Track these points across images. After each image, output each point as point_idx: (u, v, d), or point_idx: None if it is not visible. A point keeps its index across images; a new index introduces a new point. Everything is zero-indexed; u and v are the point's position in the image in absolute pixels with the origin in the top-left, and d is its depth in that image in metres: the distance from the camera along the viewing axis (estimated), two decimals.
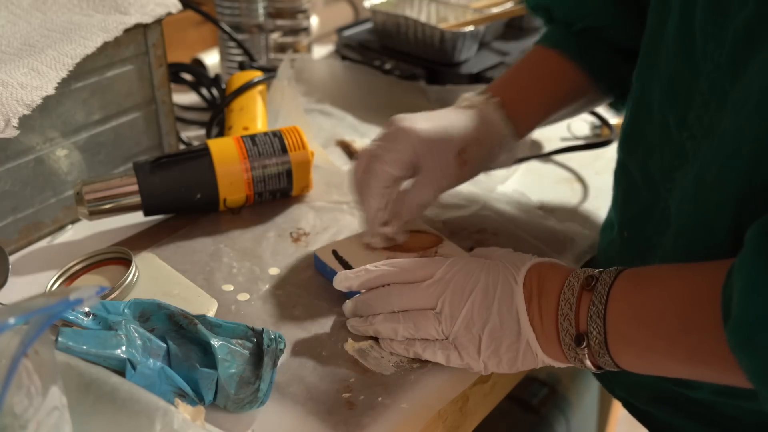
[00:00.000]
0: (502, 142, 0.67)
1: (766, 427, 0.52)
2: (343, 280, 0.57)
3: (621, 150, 0.60)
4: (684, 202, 0.50)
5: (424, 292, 0.53)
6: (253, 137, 0.72)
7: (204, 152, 0.70)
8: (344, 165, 0.84)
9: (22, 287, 0.63)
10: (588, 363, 0.49)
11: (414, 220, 0.66)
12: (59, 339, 0.49)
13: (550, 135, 0.91)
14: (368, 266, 0.56)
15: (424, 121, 0.62)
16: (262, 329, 0.54)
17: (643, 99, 0.56)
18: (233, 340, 0.53)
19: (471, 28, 0.97)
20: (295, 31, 1.02)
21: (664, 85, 0.53)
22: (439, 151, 0.62)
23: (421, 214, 0.64)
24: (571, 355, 0.50)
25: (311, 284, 0.64)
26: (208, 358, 0.52)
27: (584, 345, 0.48)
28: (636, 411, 0.62)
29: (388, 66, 0.99)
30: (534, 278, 0.52)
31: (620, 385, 0.62)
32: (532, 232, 0.71)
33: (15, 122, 0.59)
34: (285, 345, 0.54)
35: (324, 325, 0.59)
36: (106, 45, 0.67)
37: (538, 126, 0.71)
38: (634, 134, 0.58)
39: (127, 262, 0.64)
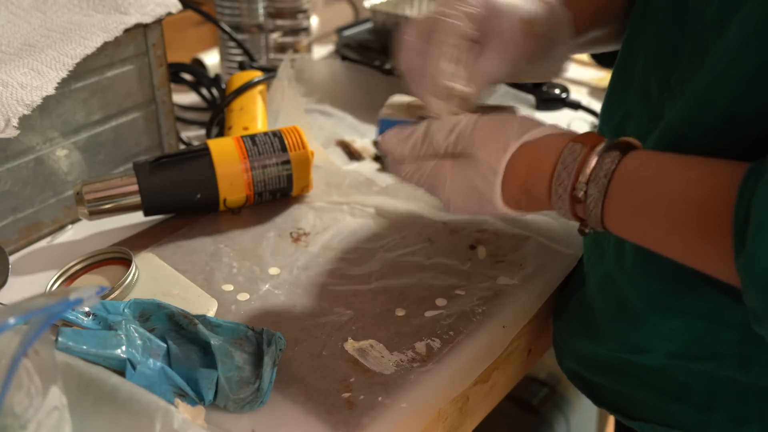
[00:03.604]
0: (562, 28, 0.62)
1: (715, 393, 0.52)
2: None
3: (600, 119, 0.60)
4: None
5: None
6: (253, 137, 0.72)
7: (204, 152, 0.70)
8: (344, 165, 0.84)
9: (22, 287, 0.63)
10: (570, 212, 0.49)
11: (482, 98, 0.59)
12: (59, 339, 0.49)
13: None
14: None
15: None
16: (262, 329, 0.54)
17: (626, 64, 0.56)
18: (233, 340, 0.53)
19: None
20: (295, 31, 1.02)
21: (650, 48, 0.53)
22: (508, 15, 0.56)
23: (488, 87, 0.58)
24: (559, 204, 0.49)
25: (311, 284, 0.64)
26: (208, 358, 0.52)
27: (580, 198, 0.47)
28: (583, 383, 0.62)
29: (388, 66, 0.99)
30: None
31: (570, 356, 0.62)
32: (535, 229, 0.71)
33: (15, 122, 0.59)
34: (285, 345, 0.54)
35: (324, 325, 0.59)
36: (106, 45, 0.67)
37: (584, 33, 0.66)
38: (613, 102, 0.58)
39: (127, 262, 0.64)
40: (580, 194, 0.47)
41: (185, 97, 0.99)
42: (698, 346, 0.51)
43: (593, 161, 0.46)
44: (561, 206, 0.49)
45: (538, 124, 0.52)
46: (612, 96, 0.58)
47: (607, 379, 0.58)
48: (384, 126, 0.58)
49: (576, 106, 0.92)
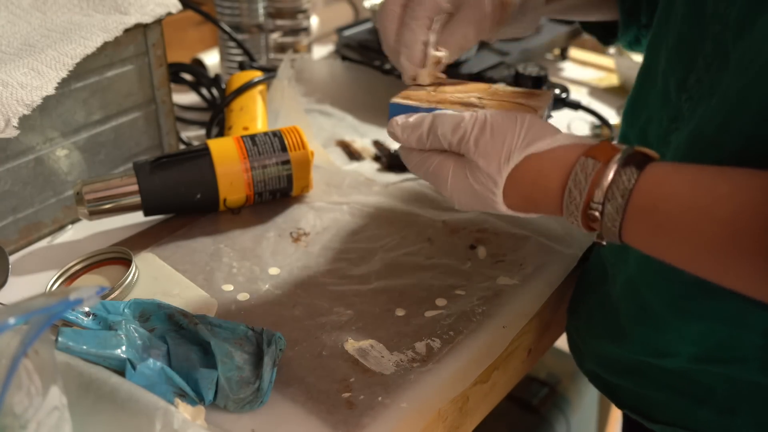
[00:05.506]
0: None
1: (738, 397, 0.52)
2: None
3: (624, 122, 0.60)
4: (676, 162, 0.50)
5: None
6: (253, 137, 0.72)
7: (204, 152, 0.70)
8: (344, 165, 0.84)
9: (22, 287, 0.63)
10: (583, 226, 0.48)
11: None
12: (59, 339, 0.49)
13: None
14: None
15: None
16: (262, 329, 0.54)
17: (649, 68, 0.56)
18: (233, 340, 0.53)
19: None
20: (295, 31, 1.03)
21: (669, 50, 0.53)
22: None
23: (458, 54, 0.60)
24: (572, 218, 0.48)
25: (311, 284, 0.64)
26: (208, 358, 0.52)
27: (597, 216, 0.46)
28: (604, 385, 0.62)
29: (388, 66, 0.99)
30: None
31: (591, 358, 0.62)
32: (535, 229, 0.71)
33: (15, 122, 0.59)
34: (285, 345, 0.54)
35: (324, 325, 0.59)
36: (106, 45, 0.67)
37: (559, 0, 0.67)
38: (637, 104, 0.58)
39: (127, 262, 0.64)
40: (596, 213, 0.45)
41: (185, 97, 0.99)
42: (721, 349, 0.51)
43: (608, 179, 0.45)
44: (573, 221, 0.48)
45: (547, 133, 0.50)
46: (636, 99, 0.58)
47: (629, 381, 0.58)
48: (393, 110, 0.58)
49: (576, 106, 0.92)
